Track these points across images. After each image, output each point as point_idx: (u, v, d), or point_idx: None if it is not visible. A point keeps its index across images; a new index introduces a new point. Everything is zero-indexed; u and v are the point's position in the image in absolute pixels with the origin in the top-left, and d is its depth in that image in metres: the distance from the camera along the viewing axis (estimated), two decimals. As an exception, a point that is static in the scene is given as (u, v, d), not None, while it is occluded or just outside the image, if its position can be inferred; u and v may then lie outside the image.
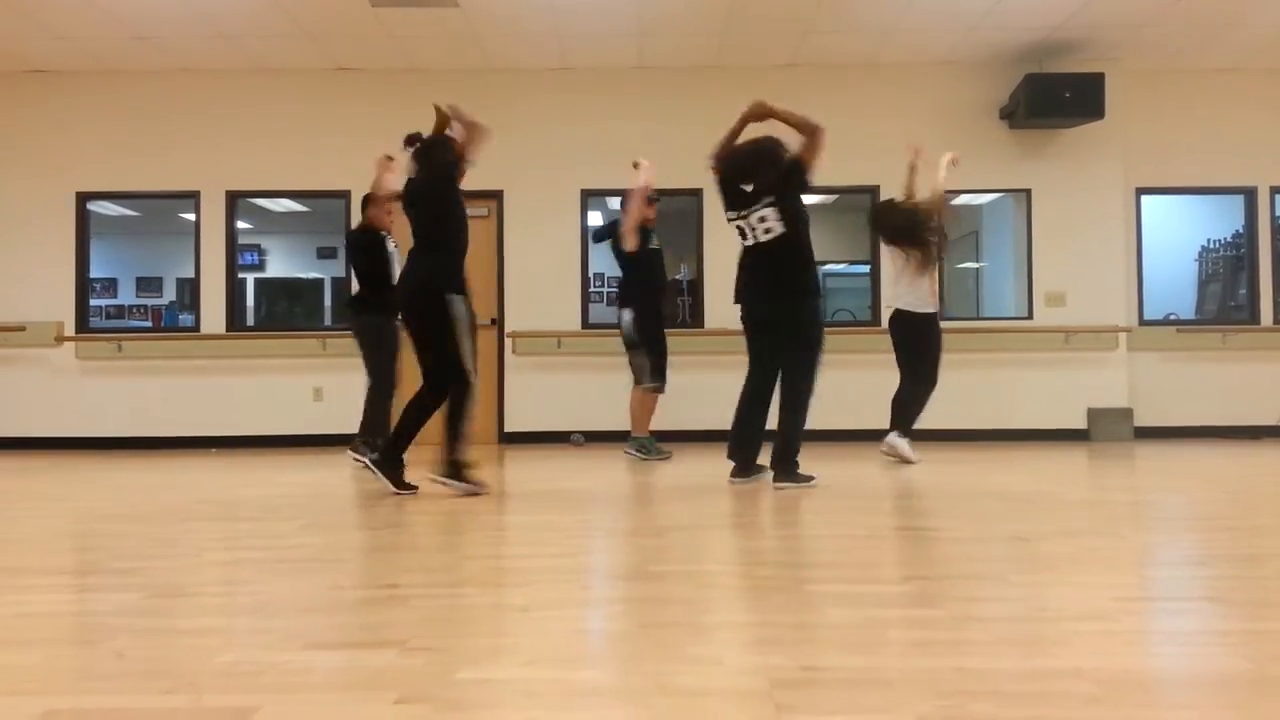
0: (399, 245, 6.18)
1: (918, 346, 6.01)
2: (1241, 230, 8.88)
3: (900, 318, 6.05)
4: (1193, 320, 9.25)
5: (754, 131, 5.00)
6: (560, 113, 8.38)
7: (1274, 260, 8.62)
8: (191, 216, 8.57)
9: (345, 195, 8.10)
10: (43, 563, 3.12)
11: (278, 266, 12.92)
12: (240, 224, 9.06)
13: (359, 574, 2.91)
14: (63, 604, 2.55)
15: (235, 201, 8.55)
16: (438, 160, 4.58)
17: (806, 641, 2.05)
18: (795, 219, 4.73)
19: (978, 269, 10.66)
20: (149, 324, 12.20)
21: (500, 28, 7.53)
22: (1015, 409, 8.26)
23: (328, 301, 12.19)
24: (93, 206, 8.73)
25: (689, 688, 1.71)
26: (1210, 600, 2.48)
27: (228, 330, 8.42)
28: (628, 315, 6.47)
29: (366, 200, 6.17)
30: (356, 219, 6.37)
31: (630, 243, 6.47)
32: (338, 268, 6.43)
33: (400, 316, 4.88)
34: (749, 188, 4.78)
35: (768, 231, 4.74)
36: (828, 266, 12.27)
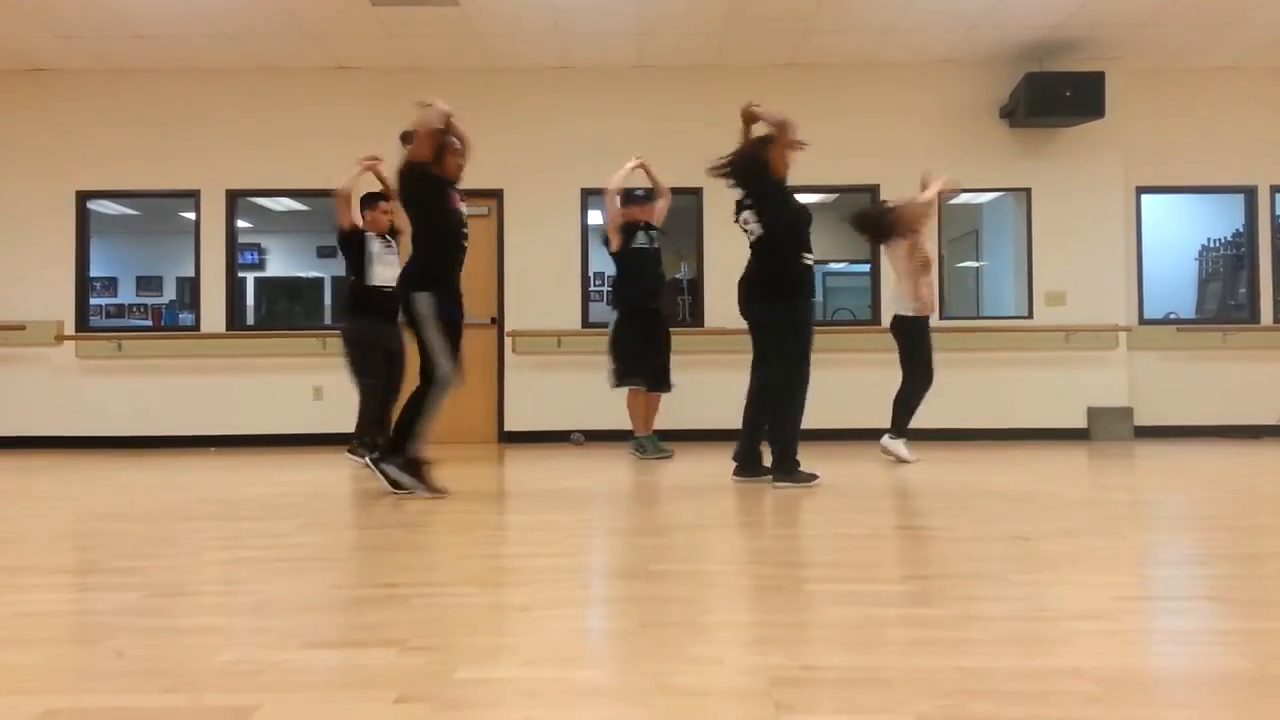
0: (393, 244, 6.17)
1: (904, 347, 6.11)
2: (1241, 229, 8.88)
3: (893, 320, 6.18)
4: (1193, 319, 9.25)
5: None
6: (560, 112, 8.38)
7: (1274, 259, 8.62)
8: (191, 215, 8.57)
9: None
10: (43, 562, 3.12)
11: (278, 266, 12.92)
12: (240, 223, 9.06)
13: (359, 573, 2.91)
14: (63, 603, 2.55)
15: (235, 200, 8.55)
16: (404, 159, 4.56)
17: (806, 641, 2.05)
18: (773, 221, 4.75)
19: (978, 268, 10.65)
20: (149, 323, 12.20)
21: (500, 27, 7.52)
22: (1015, 408, 8.26)
23: (328, 301, 12.19)
24: (93, 205, 8.73)
25: (689, 687, 1.71)
26: (1210, 599, 2.48)
27: (228, 329, 8.42)
28: (613, 316, 6.55)
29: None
30: (357, 217, 6.38)
31: (613, 243, 6.49)
32: (338, 267, 6.43)
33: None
34: (741, 190, 4.86)
35: (750, 233, 4.84)
36: (828, 266, 12.27)
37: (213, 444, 8.11)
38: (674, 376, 6.62)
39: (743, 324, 5.00)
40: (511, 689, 1.72)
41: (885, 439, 6.11)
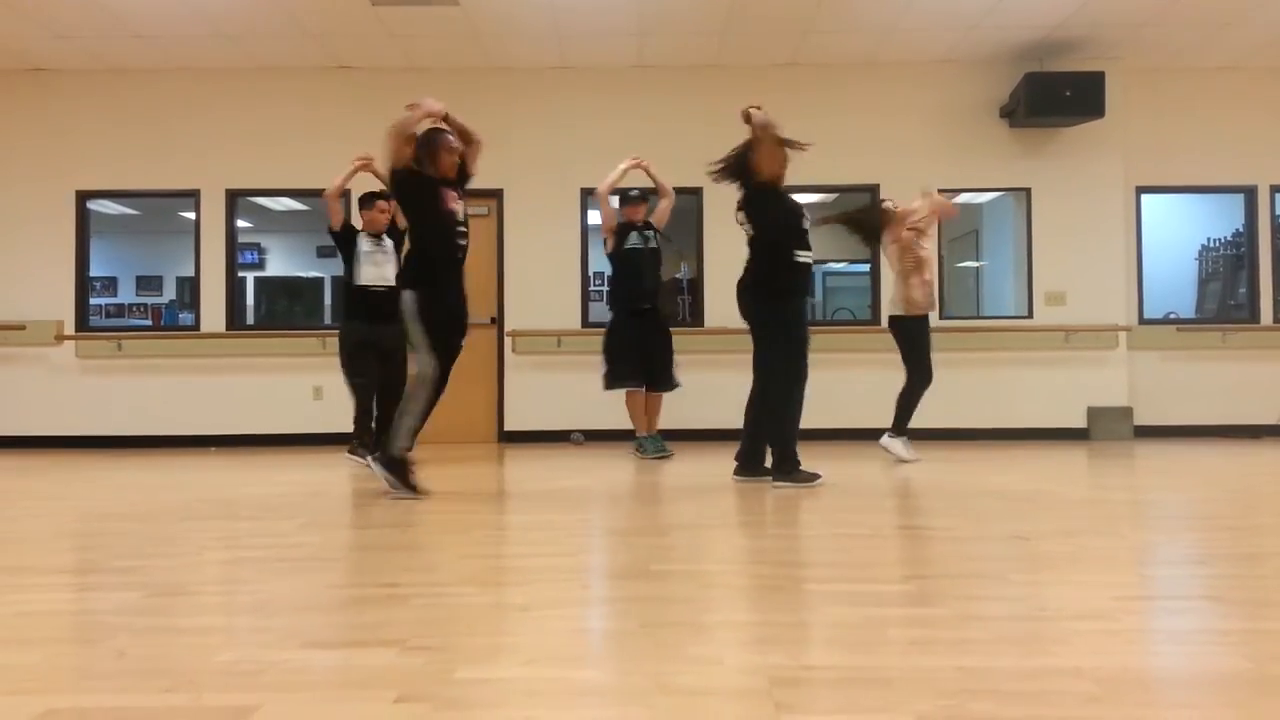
0: (384, 243, 6.16)
1: (899, 346, 6.15)
2: (1241, 229, 8.88)
3: (889, 319, 6.26)
4: (1193, 319, 9.25)
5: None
6: (560, 111, 8.38)
7: (1274, 259, 8.62)
8: (191, 215, 8.57)
9: (345, 194, 8.08)
10: (43, 561, 3.12)
11: (278, 265, 12.91)
12: (240, 223, 9.06)
13: (358, 573, 2.91)
14: (63, 603, 2.55)
15: (235, 200, 8.55)
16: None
17: (806, 641, 2.05)
18: (759, 222, 4.78)
19: (978, 268, 10.66)
20: (149, 323, 12.19)
21: (500, 26, 7.52)
22: (1015, 408, 8.26)
23: (327, 300, 12.17)
24: (93, 205, 8.72)
25: (689, 687, 1.71)
26: (1210, 599, 2.48)
27: (227, 329, 8.41)
28: (609, 317, 6.58)
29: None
30: (358, 218, 6.40)
31: (608, 244, 6.53)
32: (337, 267, 6.42)
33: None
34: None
35: (746, 233, 4.87)
36: (828, 266, 12.27)
37: (213, 444, 8.11)
38: (677, 376, 6.60)
39: (743, 324, 5.00)
40: (511, 689, 1.72)
41: (884, 437, 6.14)
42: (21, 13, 7.13)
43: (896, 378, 6.15)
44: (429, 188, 4.46)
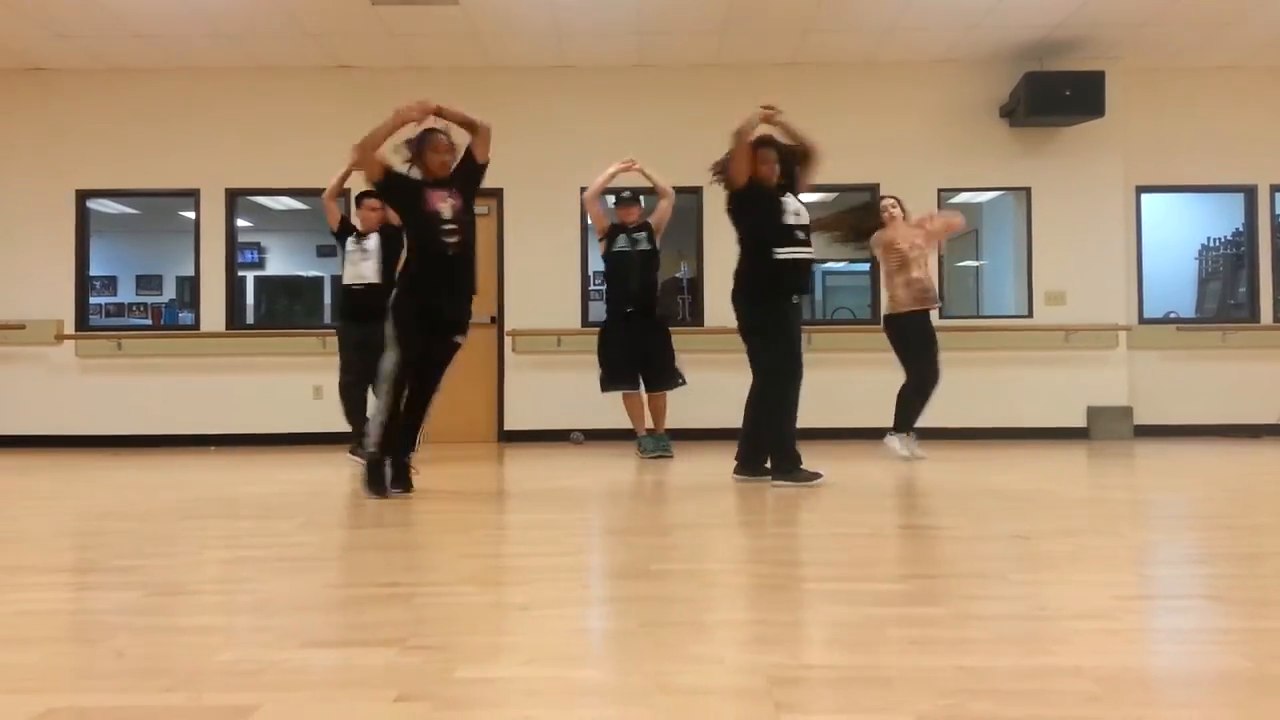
0: (364, 242, 6.14)
1: (892, 345, 6.18)
2: (1241, 228, 8.88)
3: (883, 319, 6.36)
4: (1193, 319, 9.25)
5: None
6: (560, 111, 8.38)
7: (1274, 258, 8.62)
8: (191, 214, 8.57)
9: (345, 193, 8.08)
10: (42, 561, 3.12)
11: (278, 264, 12.91)
12: (240, 222, 9.06)
13: (358, 572, 2.91)
14: (62, 602, 2.55)
15: (235, 199, 8.55)
16: None
17: (806, 640, 2.05)
18: (739, 223, 4.84)
19: (977, 267, 10.65)
20: (149, 322, 12.19)
21: (500, 25, 7.52)
22: (1015, 407, 8.26)
23: (327, 300, 12.17)
24: (92, 204, 8.73)
25: (689, 686, 1.71)
26: (1210, 598, 2.48)
27: (227, 328, 8.42)
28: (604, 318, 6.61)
29: None
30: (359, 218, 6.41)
31: (601, 247, 6.55)
32: (337, 266, 6.43)
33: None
34: None
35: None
36: (828, 265, 12.26)
37: (212, 443, 8.11)
38: (681, 373, 6.58)
39: (741, 324, 5.01)
40: (511, 688, 1.72)
41: (886, 437, 6.18)
42: (21, 12, 7.13)
43: (897, 377, 6.16)
44: (411, 191, 4.46)
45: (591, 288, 8.56)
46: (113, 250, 11.69)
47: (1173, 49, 8.12)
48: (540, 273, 8.32)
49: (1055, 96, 7.88)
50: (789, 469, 4.69)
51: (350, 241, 6.14)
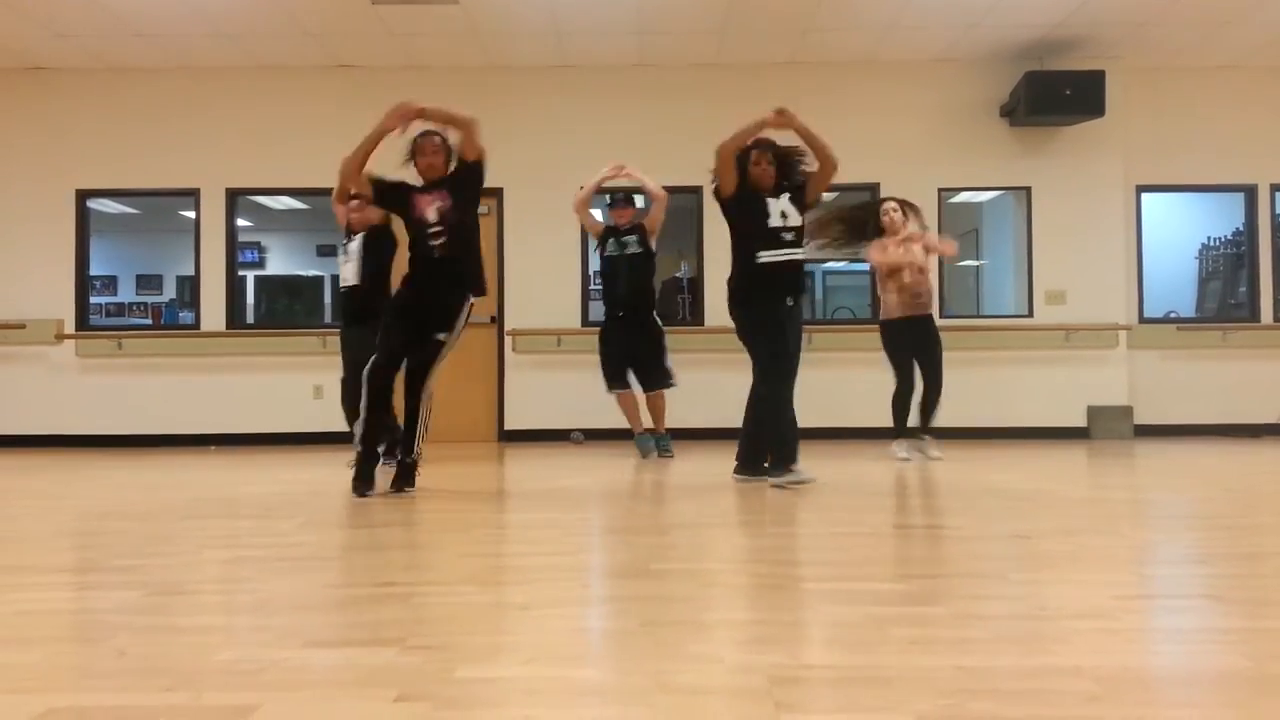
0: (345, 243, 6.14)
1: (884, 349, 6.25)
2: (1242, 228, 8.88)
3: None
4: (1193, 318, 9.26)
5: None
6: (560, 110, 8.38)
7: (1274, 258, 8.62)
8: (191, 214, 8.57)
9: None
10: (43, 560, 3.12)
11: (278, 264, 12.91)
12: (240, 221, 9.06)
13: (358, 572, 2.91)
14: (63, 602, 2.55)
15: (235, 199, 8.55)
16: None
17: (806, 639, 2.05)
18: (730, 226, 4.88)
19: (978, 267, 10.65)
20: (149, 321, 12.19)
21: (500, 25, 7.52)
22: (1015, 407, 8.26)
23: (327, 299, 12.18)
24: (93, 204, 8.73)
25: (689, 686, 1.71)
26: (1210, 598, 2.48)
27: (228, 328, 8.42)
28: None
29: None
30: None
31: (598, 249, 6.59)
32: (337, 266, 6.44)
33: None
34: None
35: None
36: (827, 265, 12.26)
37: (213, 443, 8.11)
38: (672, 374, 6.58)
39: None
40: (511, 687, 1.72)
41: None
42: (22, 11, 7.13)
43: (893, 377, 6.20)
44: (401, 197, 4.57)
45: (591, 287, 8.56)
46: (113, 250, 11.69)
47: (1173, 48, 8.12)
48: (540, 272, 8.33)
49: (1055, 96, 7.88)
50: (780, 469, 4.70)
51: (344, 242, 6.16)
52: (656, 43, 7.92)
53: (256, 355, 8.35)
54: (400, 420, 4.77)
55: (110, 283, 12.43)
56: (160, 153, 8.37)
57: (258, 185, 8.71)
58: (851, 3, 7.18)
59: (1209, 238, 9.73)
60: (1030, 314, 8.39)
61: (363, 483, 4.47)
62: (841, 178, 8.16)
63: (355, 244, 6.05)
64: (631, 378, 6.51)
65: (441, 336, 4.52)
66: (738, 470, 4.91)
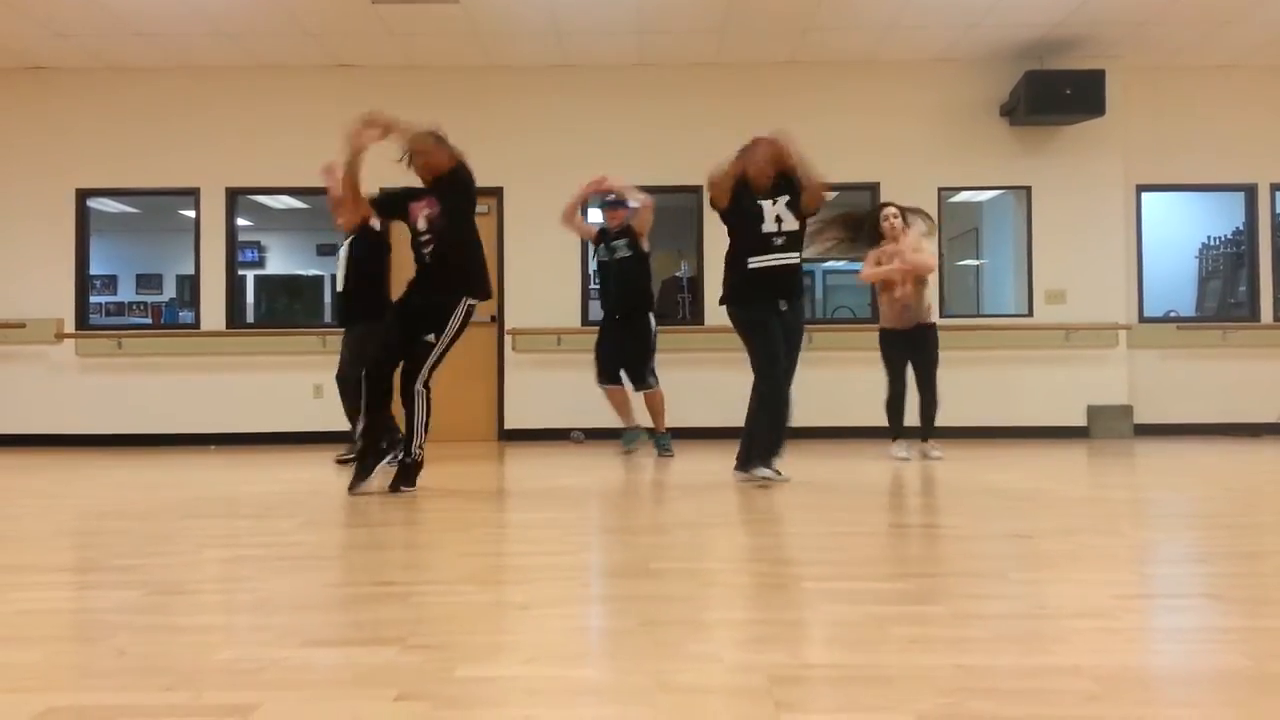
0: (340, 245, 6.19)
1: None
2: (1242, 227, 8.88)
3: None
4: (1193, 317, 9.25)
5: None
6: (560, 110, 8.38)
7: (1274, 257, 8.62)
8: (191, 213, 8.57)
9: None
10: (43, 560, 3.12)
11: (278, 263, 12.91)
12: (240, 221, 9.06)
13: (358, 571, 2.91)
14: (63, 601, 2.55)
15: (235, 198, 8.55)
16: None
17: (806, 639, 2.05)
18: (727, 229, 4.96)
19: (978, 266, 10.65)
20: (149, 321, 12.19)
21: (500, 24, 7.52)
22: (1015, 406, 8.26)
23: (327, 299, 12.18)
24: (92, 203, 8.73)
25: (689, 685, 1.71)
26: (1210, 597, 2.48)
27: (227, 327, 8.42)
28: None
29: None
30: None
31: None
32: (340, 263, 6.49)
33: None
34: None
35: None
36: (827, 264, 12.25)
37: (212, 442, 8.11)
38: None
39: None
40: (511, 687, 1.72)
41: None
42: (21, 11, 7.13)
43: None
44: (399, 205, 4.72)
45: (591, 286, 8.56)
46: (113, 249, 11.69)
47: (1173, 48, 8.12)
48: (540, 272, 8.32)
49: (1055, 95, 7.88)
50: (755, 462, 4.74)
51: (343, 244, 6.20)
52: (656, 42, 7.92)
53: (256, 355, 8.35)
54: (401, 422, 4.80)
55: (110, 282, 12.43)
56: (160, 152, 8.37)
57: (258, 184, 8.71)
58: (851, 2, 7.18)
59: (1209, 237, 9.73)
60: (1030, 313, 8.40)
61: (357, 478, 4.54)
62: (841, 177, 8.27)
63: (343, 248, 6.12)
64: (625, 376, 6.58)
65: (431, 338, 4.55)
66: (739, 468, 4.91)
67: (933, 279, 6.48)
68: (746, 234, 4.79)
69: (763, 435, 4.78)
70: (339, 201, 5.81)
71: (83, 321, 8.47)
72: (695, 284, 8.83)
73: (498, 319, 8.32)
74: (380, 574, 2.81)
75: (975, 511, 3.96)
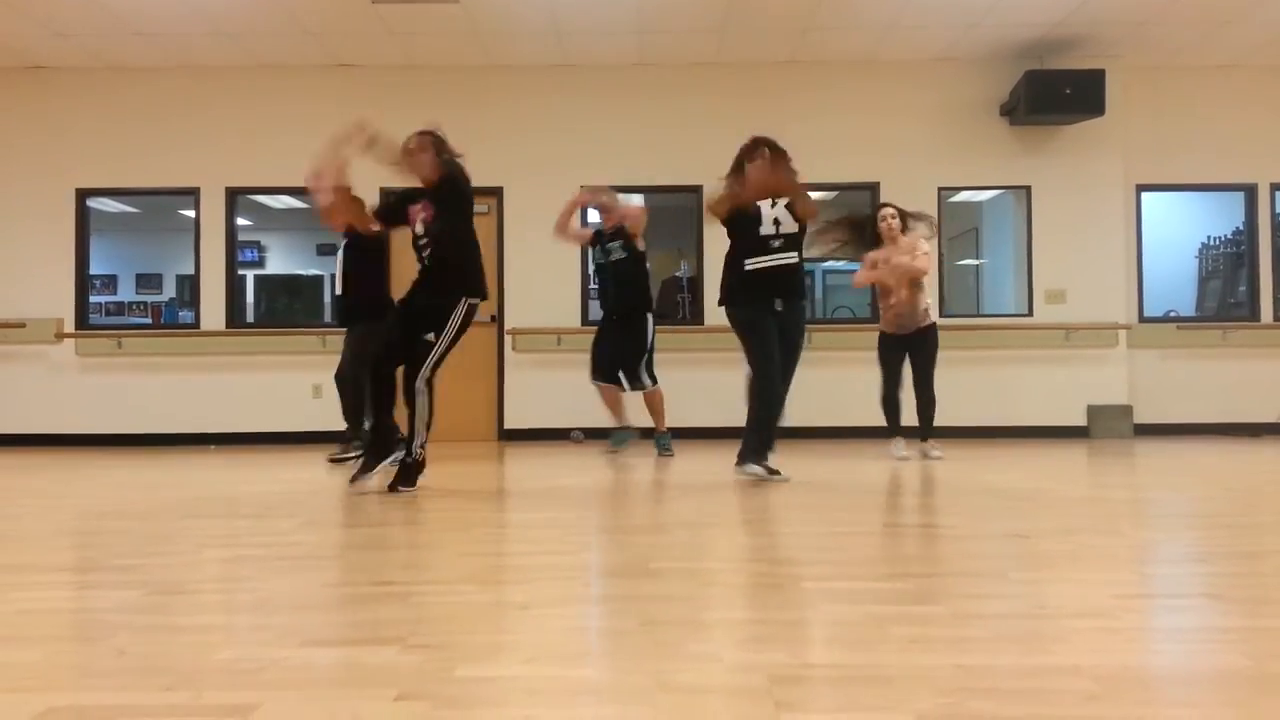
0: (342, 245, 6.20)
1: None
2: (1241, 227, 8.89)
3: None
4: (1193, 317, 9.26)
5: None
6: (560, 109, 8.38)
7: (1274, 257, 8.62)
8: (191, 213, 8.57)
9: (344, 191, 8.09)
10: (43, 560, 3.12)
11: (277, 263, 12.91)
12: (240, 220, 9.06)
13: (358, 571, 2.91)
14: (63, 601, 2.55)
15: (235, 198, 8.56)
16: None
17: (806, 638, 2.05)
18: (727, 232, 5.04)
19: (978, 266, 10.65)
20: (149, 321, 12.19)
21: (500, 24, 7.52)
22: (1015, 406, 8.27)
23: (327, 298, 12.18)
24: (92, 203, 8.73)
25: (689, 685, 1.71)
26: (1209, 597, 2.48)
27: (227, 327, 8.42)
28: None
29: None
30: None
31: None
32: (337, 264, 6.51)
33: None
34: None
35: None
36: (827, 264, 12.24)
37: (212, 442, 8.12)
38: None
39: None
40: (511, 687, 1.72)
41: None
42: (21, 10, 7.13)
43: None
44: (400, 211, 4.78)
45: (591, 286, 8.56)
46: (113, 249, 11.69)
47: (1173, 47, 8.12)
48: (540, 271, 8.32)
49: (1055, 95, 7.88)
50: (746, 458, 4.79)
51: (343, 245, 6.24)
52: (656, 42, 7.92)
53: (256, 354, 8.36)
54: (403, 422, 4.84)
55: (110, 282, 12.43)
56: (160, 152, 8.37)
57: (257, 184, 8.72)
58: (851, 2, 7.18)
59: (1209, 237, 9.73)
60: (1030, 313, 8.40)
61: (360, 470, 4.69)
62: (842, 177, 8.29)
63: (342, 249, 6.15)
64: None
65: (431, 337, 4.58)
66: (737, 463, 4.93)
67: (932, 280, 6.49)
68: (745, 237, 4.84)
69: (756, 431, 4.81)
70: (326, 210, 5.86)
71: (83, 321, 8.47)
72: (695, 284, 8.83)
73: (498, 319, 8.32)
74: (380, 574, 2.81)
75: (975, 511, 3.96)
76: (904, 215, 6.13)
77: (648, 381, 6.47)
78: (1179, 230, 9.59)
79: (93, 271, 9.08)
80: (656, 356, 6.54)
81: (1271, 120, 8.55)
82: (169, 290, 12.61)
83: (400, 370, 4.63)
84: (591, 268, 8.56)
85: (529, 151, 8.28)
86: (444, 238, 4.60)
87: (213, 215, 8.44)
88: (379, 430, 4.70)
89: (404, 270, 5.57)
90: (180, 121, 8.38)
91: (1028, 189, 8.44)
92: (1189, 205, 9.58)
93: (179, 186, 8.50)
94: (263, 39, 7.77)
